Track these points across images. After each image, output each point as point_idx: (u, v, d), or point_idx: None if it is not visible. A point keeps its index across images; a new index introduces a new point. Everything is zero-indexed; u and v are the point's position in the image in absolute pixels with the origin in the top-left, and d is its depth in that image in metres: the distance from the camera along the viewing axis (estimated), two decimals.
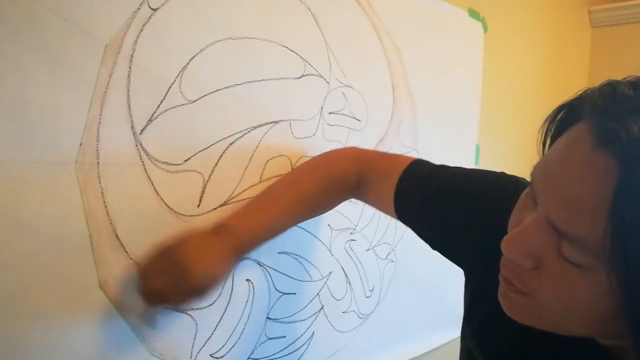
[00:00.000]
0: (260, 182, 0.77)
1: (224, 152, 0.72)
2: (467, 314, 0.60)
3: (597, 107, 0.34)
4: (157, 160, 0.65)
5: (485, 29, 1.25)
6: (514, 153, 1.40)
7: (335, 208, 0.80)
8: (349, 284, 0.94)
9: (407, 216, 0.68)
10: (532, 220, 0.37)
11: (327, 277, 0.90)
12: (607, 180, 0.31)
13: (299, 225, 0.84)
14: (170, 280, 0.58)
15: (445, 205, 0.62)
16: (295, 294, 0.85)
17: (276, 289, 0.82)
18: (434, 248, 0.67)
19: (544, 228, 0.36)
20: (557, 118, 0.41)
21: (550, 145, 0.41)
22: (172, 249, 0.60)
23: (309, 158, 0.81)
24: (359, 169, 0.72)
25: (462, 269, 0.63)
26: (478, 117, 1.25)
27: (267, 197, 0.70)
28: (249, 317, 0.78)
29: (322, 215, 0.84)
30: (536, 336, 0.46)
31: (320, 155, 0.78)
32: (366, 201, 0.77)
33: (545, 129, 0.42)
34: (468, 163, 1.24)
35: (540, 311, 0.38)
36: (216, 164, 0.71)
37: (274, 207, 0.68)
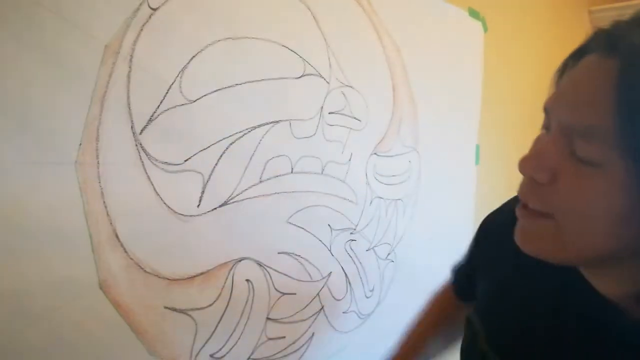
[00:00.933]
0: (260, 182, 0.77)
1: (224, 152, 0.72)
2: (458, 271, 0.65)
3: (600, 35, 0.39)
4: (157, 160, 0.65)
5: (486, 29, 1.25)
6: (514, 153, 1.40)
7: (335, 208, 0.80)
8: (349, 284, 0.94)
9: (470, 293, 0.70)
10: (545, 139, 0.39)
11: (327, 278, 0.90)
12: (610, 76, 0.34)
13: (298, 225, 0.84)
14: None
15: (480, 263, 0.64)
16: (295, 294, 0.85)
17: (276, 289, 0.82)
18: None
19: (557, 138, 0.38)
20: (565, 67, 0.43)
21: None
22: None
23: (309, 158, 0.81)
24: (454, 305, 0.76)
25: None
26: (478, 117, 1.25)
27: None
28: (249, 318, 0.78)
29: (322, 220, 0.84)
30: (541, 308, 0.47)
31: (429, 308, 0.83)
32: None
33: (554, 81, 0.44)
34: (468, 163, 1.24)
35: (558, 233, 0.38)
36: (216, 164, 0.71)
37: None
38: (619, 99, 0.33)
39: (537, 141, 0.41)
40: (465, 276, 0.68)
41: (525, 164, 0.39)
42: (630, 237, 0.35)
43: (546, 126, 0.41)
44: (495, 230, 0.59)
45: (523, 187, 0.41)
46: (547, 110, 0.40)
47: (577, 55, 0.41)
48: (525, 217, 0.41)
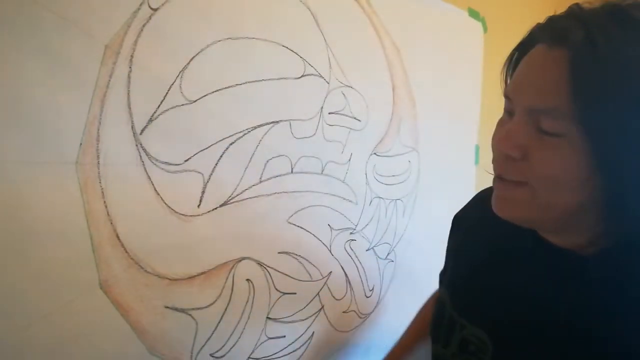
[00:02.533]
0: (260, 182, 0.77)
1: (224, 152, 0.72)
2: (441, 275, 0.71)
3: (544, 27, 0.45)
4: (157, 160, 0.65)
5: (485, 29, 1.25)
6: None
7: (335, 208, 0.81)
8: (349, 283, 0.94)
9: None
10: (512, 120, 0.46)
11: (327, 277, 0.90)
12: (563, 63, 0.41)
13: (298, 225, 0.84)
14: None
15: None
16: (295, 293, 0.85)
17: (276, 289, 0.82)
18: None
19: (523, 119, 0.44)
20: (513, 59, 0.51)
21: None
22: None
23: (309, 158, 0.82)
24: None
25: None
26: (478, 117, 1.26)
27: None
28: (249, 317, 0.78)
29: (322, 220, 0.84)
30: (495, 266, 0.55)
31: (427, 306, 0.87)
32: None
33: (505, 71, 0.53)
34: (468, 163, 1.24)
35: (532, 197, 0.45)
36: (216, 164, 0.71)
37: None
38: (573, 84, 0.40)
39: (503, 122, 0.48)
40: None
41: (499, 144, 0.46)
42: (590, 191, 0.42)
43: (508, 110, 0.48)
44: (465, 223, 0.67)
45: (498, 161, 0.48)
46: (508, 96, 0.47)
47: (524, 47, 0.48)
48: (502, 187, 0.48)
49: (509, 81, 0.52)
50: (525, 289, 0.51)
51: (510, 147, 0.45)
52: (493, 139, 0.49)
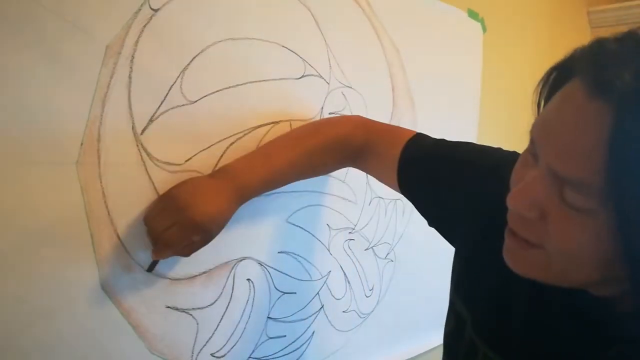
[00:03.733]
0: None
1: (224, 152, 0.72)
2: (456, 282, 0.61)
3: (586, 60, 0.37)
4: (158, 160, 0.66)
5: (485, 30, 1.25)
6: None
7: (334, 207, 0.80)
8: (349, 283, 0.94)
9: (409, 186, 0.69)
10: (534, 174, 0.39)
11: (326, 277, 0.90)
12: (602, 124, 0.33)
13: (297, 224, 0.84)
14: (170, 219, 0.60)
15: (449, 177, 0.63)
16: (295, 293, 0.85)
17: (276, 289, 0.82)
18: (430, 223, 0.68)
19: (546, 179, 0.38)
20: (550, 79, 0.43)
21: (544, 106, 0.43)
22: (171, 192, 0.63)
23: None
24: (364, 136, 0.73)
25: (453, 242, 0.64)
26: (477, 117, 1.26)
27: (271, 148, 0.71)
28: (249, 317, 0.78)
29: (321, 219, 0.84)
30: (521, 296, 0.49)
31: (326, 118, 0.79)
32: (367, 170, 0.77)
33: (539, 91, 0.44)
34: None
35: (547, 262, 0.40)
36: (216, 164, 0.72)
37: (278, 158, 0.68)
38: (611, 155, 0.33)
39: (524, 172, 0.41)
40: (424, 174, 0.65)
41: (515, 201, 0.40)
42: (615, 271, 0.37)
43: (532, 152, 0.41)
44: (480, 204, 0.58)
45: (512, 215, 0.42)
46: (533, 140, 0.40)
47: (563, 70, 0.41)
48: (514, 242, 0.42)
49: (540, 110, 0.44)
50: (561, 347, 0.47)
51: (526, 206, 0.39)
52: (511, 183, 0.43)
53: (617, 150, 0.32)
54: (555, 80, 0.42)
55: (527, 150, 0.42)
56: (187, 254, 0.64)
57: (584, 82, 0.35)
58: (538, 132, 0.39)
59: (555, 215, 0.38)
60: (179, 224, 0.59)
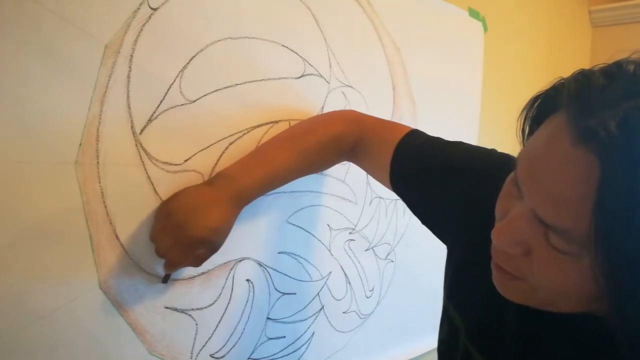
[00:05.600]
0: None
1: (223, 152, 0.72)
2: (449, 288, 0.60)
3: (573, 99, 0.35)
4: (157, 160, 0.65)
5: (485, 29, 1.25)
6: (513, 154, 1.40)
7: (334, 207, 0.80)
8: (349, 284, 0.94)
9: (401, 183, 0.68)
10: (519, 210, 0.39)
11: (326, 277, 0.90)
12: (589, 176, 0.32)
13: (297, 225, 0.84)
14: (171, 238, 0.59)
15: (440, 176, 0.63)
16: (295, 294, 0.85)
17: (276, 289, 0.82)
18: (423, 221, 0.67)
19: (531, 219, 0.37)
20: (534, 106, 0.42)
21: (529, 134, 0.42)
22: (168, 207, 0.62)
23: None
24: (358, 132, 0.73)
25: (446, 243, 0.64)
26: (478, 117, 1.25)
27: (267, 150, 0.71)
28: (249, 317, 0.78)
29: (321, 220, 0.84)
30: (512, 304, 0.47)
31: (320, 115, 0.79)
32: (362, 166, 0.77)
33: (523, 118, 0.43)
34: None
35: (534, 292, 0.40)
36: (216, 164, 0.71)
37: (274, 160, 0.68)
38: (598, 207, 0.32)
39: (508, 204, 0.41)
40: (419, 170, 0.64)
41: (499, 238, 0.39)
42: (602, 305, 0.36)
43: (516, 184, 0.39)
44: (479, 204, 0.55)
45: (496, 251, 0.42)
46: (518, 179, 0.38)
47: (547, 100, 0.39)
48: (499, 275, 0.43)
49: (524, 137, 0.43)
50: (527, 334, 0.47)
51: (510, 244, 0.39)
52: (496, 214, 0.42)
53: (603, 203, 0.32)
54: (540, 107, 0.41)
55: (511, 180, 0.41)
56: (197, 265, 0.64)
57: (569, 125, 0.34)
58: (523, 174, 0.38)
59: (540, 254, 0.37)
60: (180, 243, 0.59)
